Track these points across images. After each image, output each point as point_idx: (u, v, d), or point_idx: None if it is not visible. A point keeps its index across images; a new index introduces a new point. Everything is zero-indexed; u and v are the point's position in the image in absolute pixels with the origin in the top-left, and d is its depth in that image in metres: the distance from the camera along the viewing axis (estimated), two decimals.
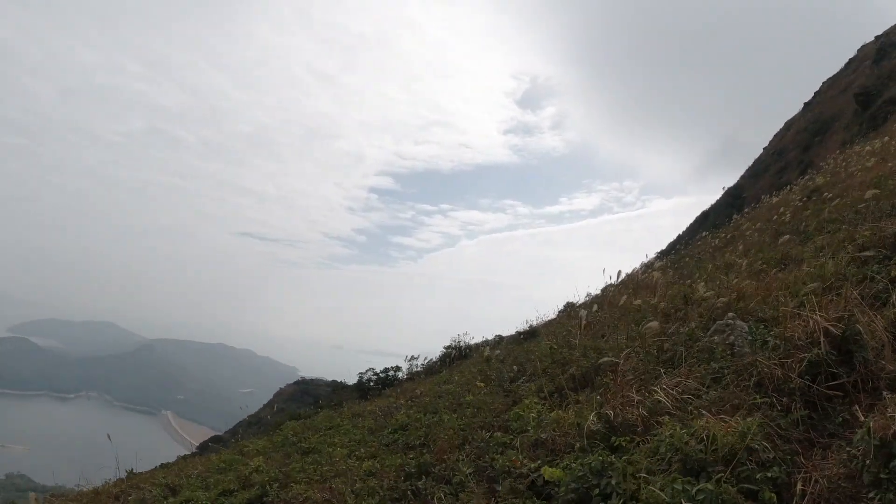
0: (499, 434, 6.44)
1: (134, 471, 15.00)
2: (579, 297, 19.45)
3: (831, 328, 4.86)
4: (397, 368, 26.75)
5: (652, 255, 37.77)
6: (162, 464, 22.40)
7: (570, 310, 19.67)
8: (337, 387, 44.01)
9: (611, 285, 16.05)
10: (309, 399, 45.90)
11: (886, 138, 22.02)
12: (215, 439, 51.82)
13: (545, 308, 20.93)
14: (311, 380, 71.35)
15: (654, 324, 7.11)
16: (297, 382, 72.35)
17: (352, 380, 29.61)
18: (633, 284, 13.95)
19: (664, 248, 44.47)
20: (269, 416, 32.87)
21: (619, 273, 13.31)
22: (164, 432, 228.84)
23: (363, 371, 27.62)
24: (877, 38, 55.50)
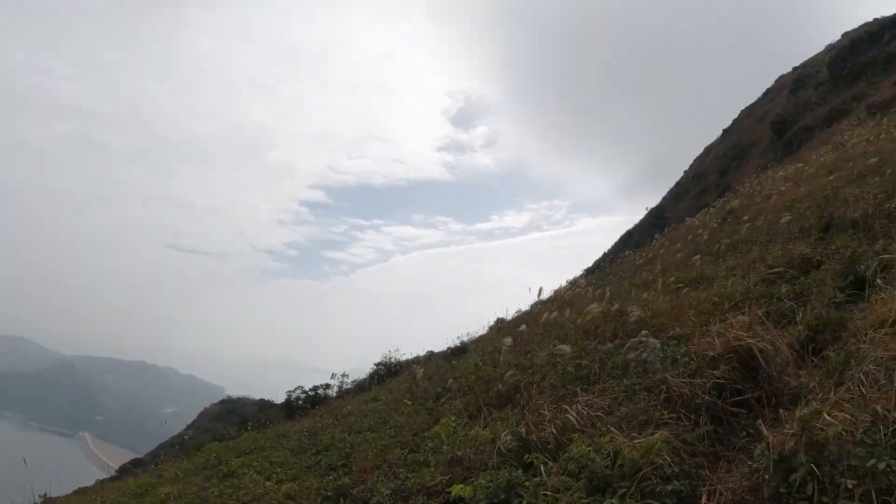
0: (415, 454, 6.40)
1: (49, 495, 14.32)
2: (509, 314, 19.67)
3: (737, 345, 5.04)
4: (327, 386, 26.27)
5: (579, 273, 38.62)
6: (79, 488, 21.43)
7: (500, 326, 19.82)
8: (264, 406, 42.95)
9: (539, 302, 16.27)
10: (235, 419, 44.77)
11: (800, 164, 23.20)
12: (136, 462, 49.94)
13: (476, 324, 21.02)
14: (238, 399, 69.71)
15: (566, 347, 7.22)
16: (222, 402, 70.62)
17: (280, 398, 28.98)
18: (559, 301, 14.16)
19: (590, 265, 45.49)
20: (191, 438, 31.84)
21: (541, 291, 13.47)
22: (81, 455, 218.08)
23: (292, 389, 27.02)
24: (794, 69, 58.69)
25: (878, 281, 5.83)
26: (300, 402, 25.82)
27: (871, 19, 49.81)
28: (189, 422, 64.30)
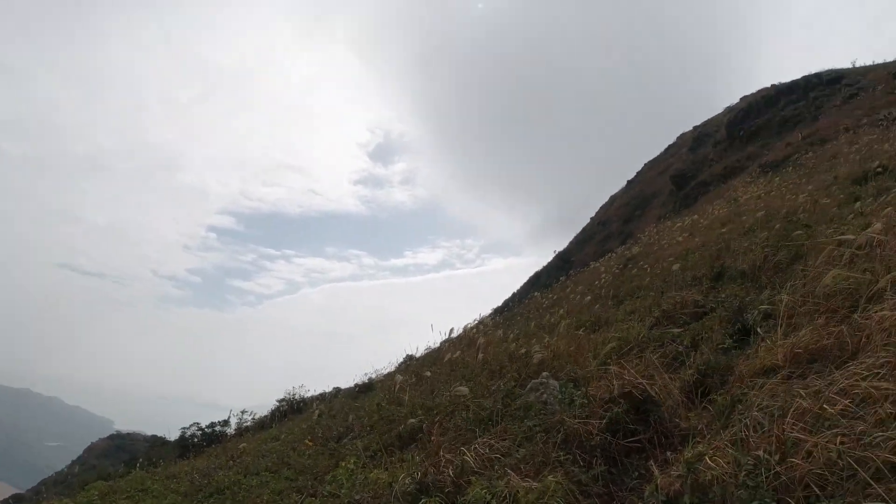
0: (312, 498, 6.19)
1: None
2: (419, 351, 19.57)
3: (632, 388, 5.20)
4: (225, 423, 25.17)
5: (488, 312, 39.07)
6: None
7: (408, 363, 19.69)
8: (156, 443, 40.72)
9: (448, 340, 16.26)
10: (124, 456, 42.36)
11: (696, 216, 24.51)
12: (17, 498, 46.50)
13: (385, 360, 20.78)
14: (128, 434, 65.88)
15: (466, 388, 7.26)
16: (111, 437, 66.57)
17: (174, 435, 27.50)
18: (466, 340, 14.22)
19: (500, 304, 46.22)
20: (76, 475, 29.77)
21: (452, 330, 13.54)
22: None
23: (187, 426, 25.74)
24: (695, 128, 62.34)
25: (759, 329, 6.16)
26: (195, 440, 24.61)
27: (768, 85, 53.66)
28: (75, 457, 60.21)
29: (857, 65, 46.71)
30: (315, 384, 24.04)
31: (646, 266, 14.63)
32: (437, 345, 17.59)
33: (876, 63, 44.99)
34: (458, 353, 11.24)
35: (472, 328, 16.50)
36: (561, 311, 13.27)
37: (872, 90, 37.44)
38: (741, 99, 57.05)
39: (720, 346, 6.46)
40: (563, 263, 53.83)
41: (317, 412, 14.29)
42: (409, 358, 20.55)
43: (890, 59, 44.23)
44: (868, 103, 34.95)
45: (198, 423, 25.63)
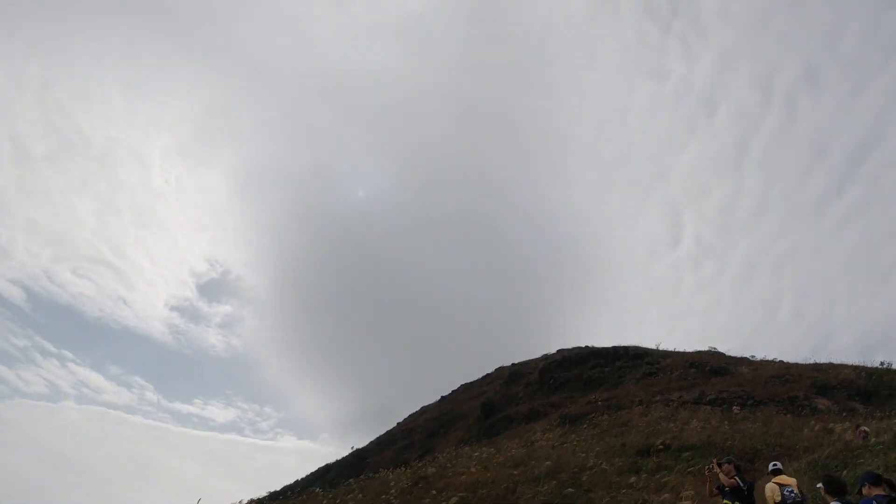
0: None
1: None
2: None
3: None
4: None
5: (263, 494, 36.18)
6: None
7: None
8: None
9: None
10: None
11: (493, 450, 24.89)
12: None
13: None
14: None
15: None
16: None
17: None
18: None
19: (279, 489, 43.29)
20: None
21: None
22: None
23: None
24: (513, 364, 65.84)
25: None
26: None
27: (583, 345, 58.71)
28: None
29: (661, 348, 52.40)
30: None
31: (433, 491, 14.35)
32: None
33: (676, 350, 50.61)
34: None
35: None
36: None
37: (670, 373, 41.60)
38: (558, 351, 61.58)
39: None
40: (357, 461, 52.08)
41: None
42: None
43: (689, 349, 49.97)
44: (664, 383, 38.63)
45: None
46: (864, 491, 6.84)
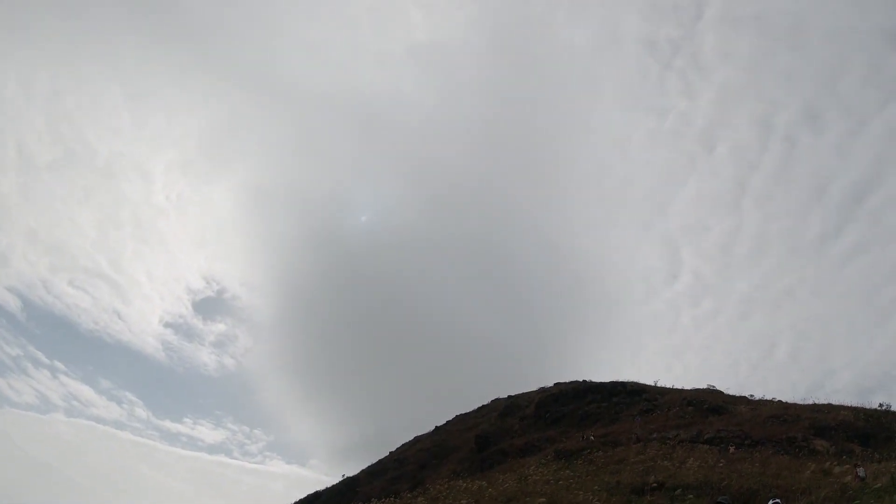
0: None
1: None
2: None
3: None
4: None
5: None
6: None
7: None
8: None
9: None
10: None
11: (485, 483, 24.53)
12: None
13: None
14: None
15: None
16: None
17: None
18: None
19: None
20: None
21: None
22: None
23: None
24: (509, 396, 65.39)
25: None
26: None
27: (580, 379, 58.41)
28: None
29: (659, 384, 52.08)
30: None
31: None
32: None
33: (674, 387, 50.25)
34: None
35: None
36: None
37: (667, 410, 41.26)
38: (555, 384, 61.19)
39: None
40: (347, 490, 51.47)
41: None
42: None
43: (687, 386, 49.60)
44: (661, 421, 38.30)
45: None
46: None
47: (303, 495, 57.51)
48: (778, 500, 8.99)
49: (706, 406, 40.47)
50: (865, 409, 35.50)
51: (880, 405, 36.65)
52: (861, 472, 18.64)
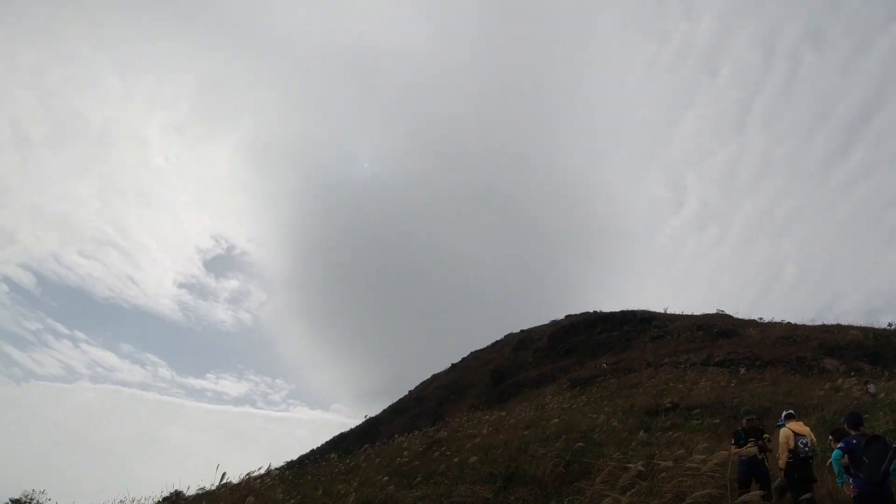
0: None
1: None
2: (191, 489, 17.71)
3: None
4: None
5: (280, 463, 36.87)
6: None
7: (174, 499, 17.82)
8: None
9: (226, 484, 14.97)
10: None
11: (504, 413, 25.25)
12: None
13: (149, 490, 18.53)
14: None
15: None
16: None
17: None
18: (244, 491, 13.15)
19: (295, 458, 44.00)
20: None
21: (224, 475, 12.49)
22: None
23: None
24: (521, 331, 66.21)
25: None
26: None
27: (590, 311, 58.94)
28: None
29: (668, 311, 52.59)
30: (61, 496, 20.95)
31: (448, 452, 14.62)
32: (213, 487, 16.14)
33: (683, 314, 50.76)
34: None
35: (255, 479, 15.34)
36: (355, 482, 12.72)
37: (678, 335, 41.87)
38: (566, 317, 61.88)
39: None
40: (371, 430, 52.95)
41: None
42: (176, 495, 18.61)
43: (697, 312, 50.10)
44: (672, 346, 38.92)
45: None
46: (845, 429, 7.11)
47: (329, 438, 59.22)
48: (791, 412, 9.27)
49: (716, 330, 40.96)
50: (874, 328, 35.91)
51: (889, 325, 37.07)
52: (872, 388, 19.13)
